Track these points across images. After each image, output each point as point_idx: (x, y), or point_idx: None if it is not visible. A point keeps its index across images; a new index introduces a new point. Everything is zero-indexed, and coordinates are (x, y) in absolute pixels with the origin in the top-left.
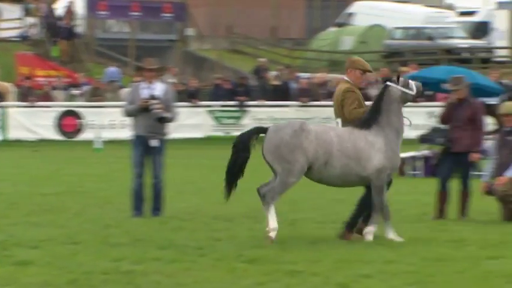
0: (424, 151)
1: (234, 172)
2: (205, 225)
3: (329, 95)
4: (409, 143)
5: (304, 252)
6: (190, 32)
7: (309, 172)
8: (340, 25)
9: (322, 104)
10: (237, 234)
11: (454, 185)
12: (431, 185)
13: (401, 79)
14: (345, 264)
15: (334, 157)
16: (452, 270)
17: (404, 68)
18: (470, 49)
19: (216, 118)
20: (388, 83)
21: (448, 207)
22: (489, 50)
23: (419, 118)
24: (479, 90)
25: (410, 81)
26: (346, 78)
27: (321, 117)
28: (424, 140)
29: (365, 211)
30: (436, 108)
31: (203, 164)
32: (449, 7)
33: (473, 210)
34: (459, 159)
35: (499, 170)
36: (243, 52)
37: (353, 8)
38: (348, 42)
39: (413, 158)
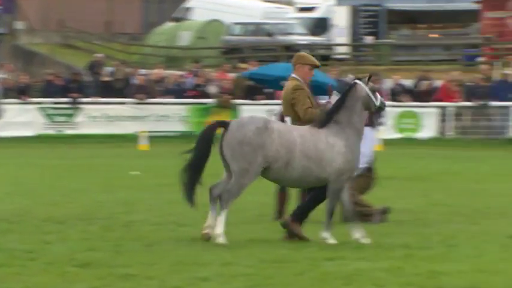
0: None
1: (195, 171)
2: (36, 227)
3: (166, 92)
4: None
5: (139, 255)
6: (19, 25)
7: (267, 172)
8: (177, 20)
9: (159, 101)
10: (69, 237)
11: None
12: (271, 185)
13: (370, 84)
14: (181, 267)
15: (296, 158)
16: (291, 272)
17: (243, 65)
18: (310, 46)
19: (48, 115)
20: (357, 80)
21: (287, 208)
22: (328, 46)
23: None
24: (318, 88)
25: (377, 93)
26: (293, 75)
27: (158, 115)
28: None
29: (316, 205)
30: (276, 106)
31: (34, 163)
32: (289, 3)
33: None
34: None
35: None
36: (75, 47)
37: (191, 2)
38: (185, 38)
39: None
